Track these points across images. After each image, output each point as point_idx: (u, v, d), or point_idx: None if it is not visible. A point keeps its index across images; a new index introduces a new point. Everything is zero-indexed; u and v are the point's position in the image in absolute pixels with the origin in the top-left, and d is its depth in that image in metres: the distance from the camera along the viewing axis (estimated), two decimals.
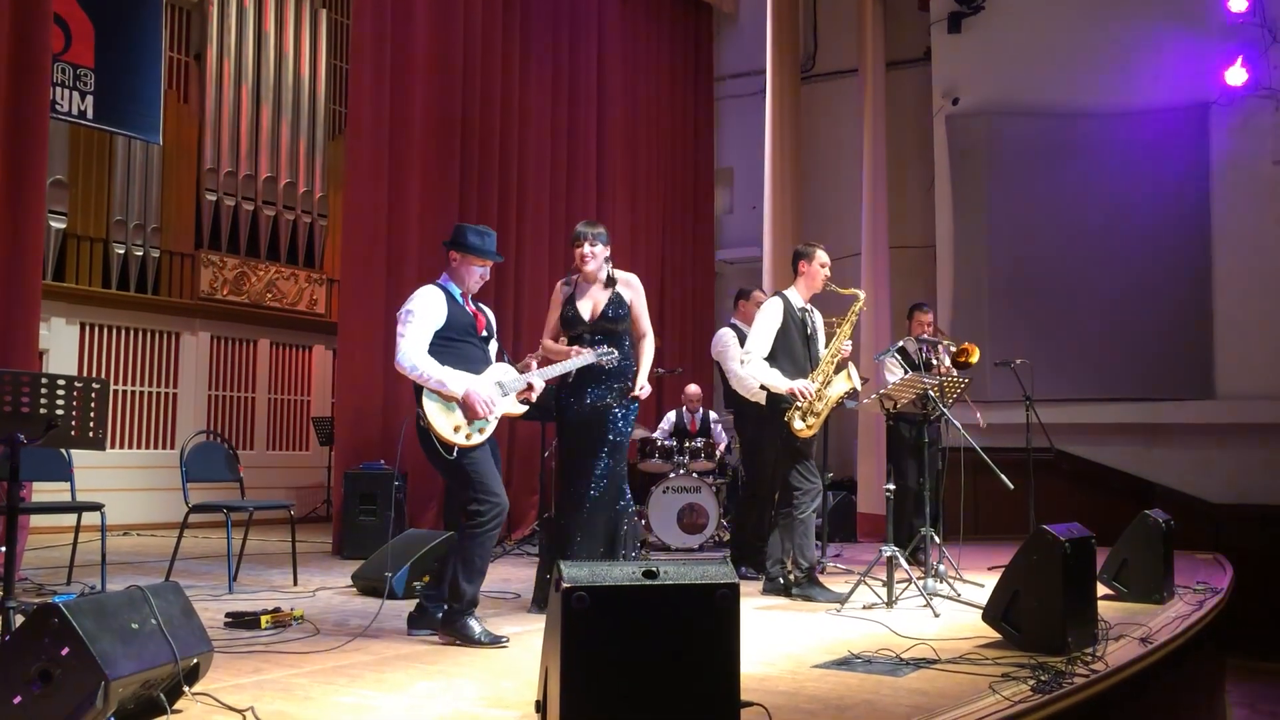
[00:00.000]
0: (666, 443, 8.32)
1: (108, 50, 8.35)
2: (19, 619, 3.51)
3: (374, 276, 7.80)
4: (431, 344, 4.22)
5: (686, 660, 2.58)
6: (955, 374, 6.70)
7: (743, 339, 6.62)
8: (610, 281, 4.92)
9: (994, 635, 4.22)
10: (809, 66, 11.59)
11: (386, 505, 7.16)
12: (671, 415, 8.87)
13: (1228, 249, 9.36)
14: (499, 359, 4.48)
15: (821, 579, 5.74)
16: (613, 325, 4.87)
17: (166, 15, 9.81)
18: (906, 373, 6.75)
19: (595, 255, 4.85)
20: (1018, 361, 7.33)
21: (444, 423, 4.16)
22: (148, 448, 10.10)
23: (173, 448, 9.88)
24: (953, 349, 6.94)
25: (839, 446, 10.34)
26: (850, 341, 5.72)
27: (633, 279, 5.01)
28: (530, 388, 4.40)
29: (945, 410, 5.84)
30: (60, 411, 3.89)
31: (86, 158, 9.75)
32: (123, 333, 10.02)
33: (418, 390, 4.19)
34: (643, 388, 4.92)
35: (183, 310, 10.43)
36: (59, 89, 7.95)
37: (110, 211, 9.89)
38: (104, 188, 9.89)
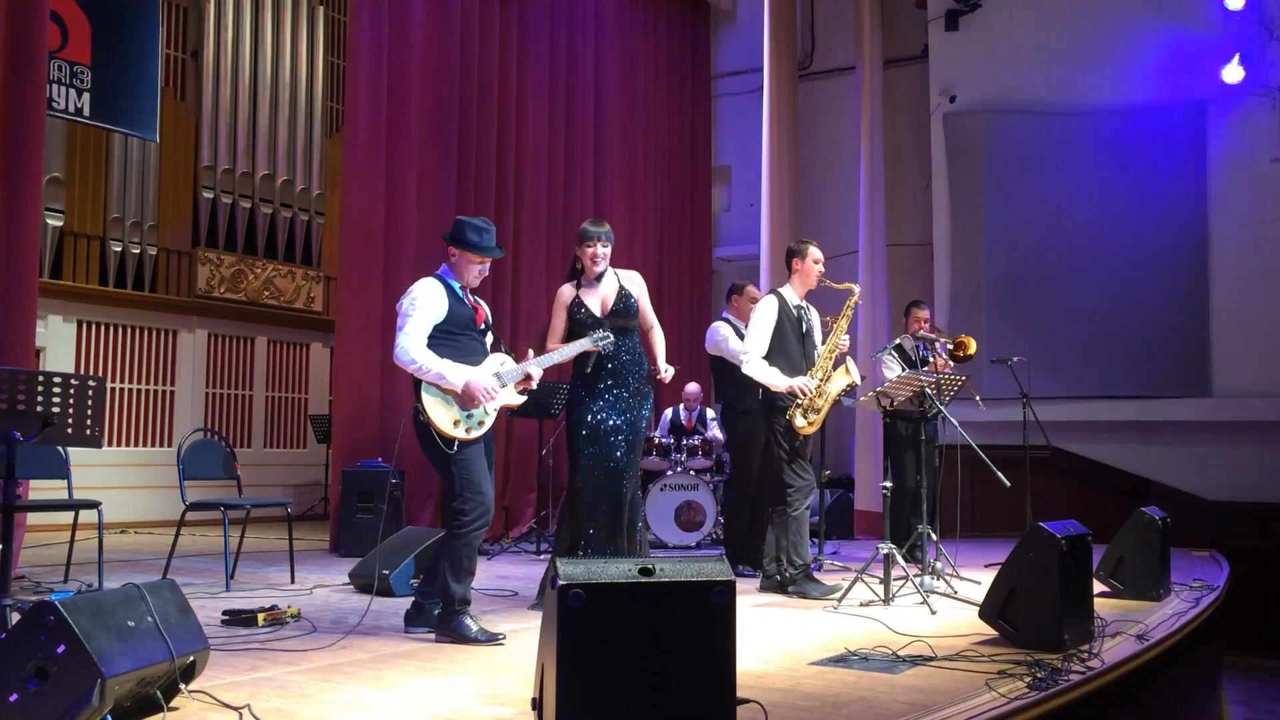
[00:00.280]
0: (663, 440, 8.32)
1: (104, 47, 8.35)
2: (15, 617, 3.51)
3: (371, 274, 7.79)
4: (431, 337, 4.21)
5: (683, 657, 2.58)
6: (953, 369, 6.70)
7: (737, 333, 6.63)
8: (611, 278, 4.97)
9: (990, 632, 4.22)
10: (806, 64, 11.59)
11: (384, 503, 7.16)
12: (668, 413, 8.88)
13: (1225, 246, 9.37)
14: (495, 349, 4.47)
15: (819, 577, 5.75)
16: (623, 319, 4.91)
17: (163, 12, 9.80)
18: (904, 370, 6.76)
19: (605, 255, 4.90)
20: (1015, 359, 7.33)
21: (443, 416, 4.15)
22: (145, 445, 10.10)
23: (170, 445, 9.88)
24: (949, 345, 6.95)
25: (836, 444, 10.35)
26: (847, 336, 5.72)
27: (635, 276, 5.06)
28: (528, 378, 4.40)
29: (942, 408, 5.85)
30: (56, 409, 3.88)
31: (83, 155, 9.74)
32: (120, 330, 10.01)
33: (416, 384, 4.19)
34: (666, 370, 4.98)
35: (180, 308, 10.42)
36: (55, 86, 7.95)
37: (107, 209, 9.88)
38: (101, 185, 9.88)
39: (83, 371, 9.44)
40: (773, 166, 10.11)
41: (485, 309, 4.47)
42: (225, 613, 4.55)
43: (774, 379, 5.51)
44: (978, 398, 6.63)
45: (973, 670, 3.59)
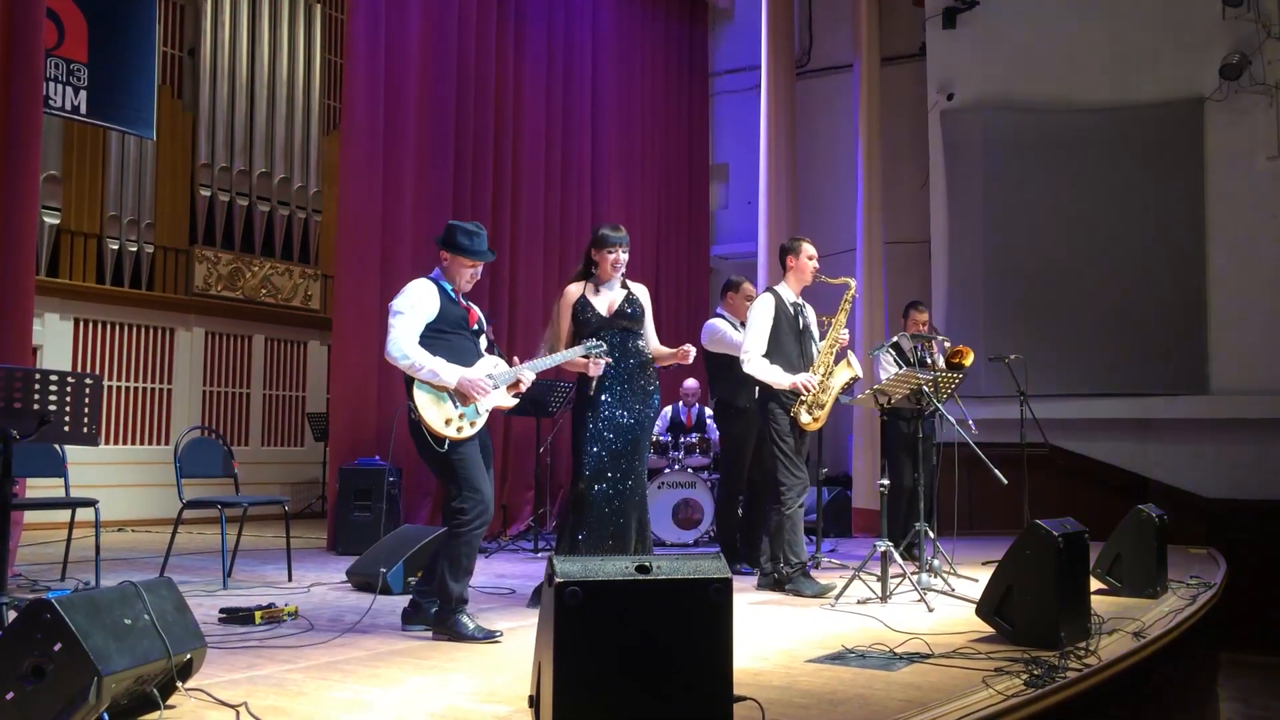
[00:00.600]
0: (662, 438, 8.32)
1: (101, 45, 8.33)
2: (12, 615, 3.51)
3: (369, 272, 7.79)
4: (423, 336, 4.21)
5: (679, 655, 2.58)
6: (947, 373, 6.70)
7: (733, 329, 6.62)
8: (623, 284, 5.01)
9: (987, 630, 4.22)
10: (804, 62, 11.58)
11: (381, 501, 7.16)
12: (667, 410, 8.87)
13: (1222, 244, 9.37)
14: (489, 352, 4.48)
15: (816, 574, 5.75)
16: (629, 322, 4.94)
17: (160, 10, 9.79)
18: (901, 368, 6.76)
19: (625, 262, 4.96)
20: (1012, 357, 7.33)
21: (435, 415, 4.15)
22: (142, 444, 10.09)
23: (167, 444, 9.87)
24: (947, 346, 6.95)
25: (834, 442, 10.35)
26: (847, 330, 5.72)
27: (643, 289, 5.11)
28: (519, 381, 4.41)
29: (940, 406, 5.85)
30: (53, 407, 3.88)
31: (80, 153, 9.72)
32: (117, 328, 9.99)
33: (409, 382, 4.19)
34: (686, 349, 4.98)
35: (177, 306, 10.41)
36: (52, 84, 7.93)
37: (104, 207, 9.87)
38: (97, 183, 9.87)
39: (80, 369, 9.42)
40: (770, 164, 10.11)
41: (478, 312, 4.47)
42: (222, 611, 4.56)
43: (776, 377, 5.51)
44: (971, 423, 6.61)
45: (970, 668, 3.60)
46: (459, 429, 4.19)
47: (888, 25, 10.76)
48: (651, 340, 5.07)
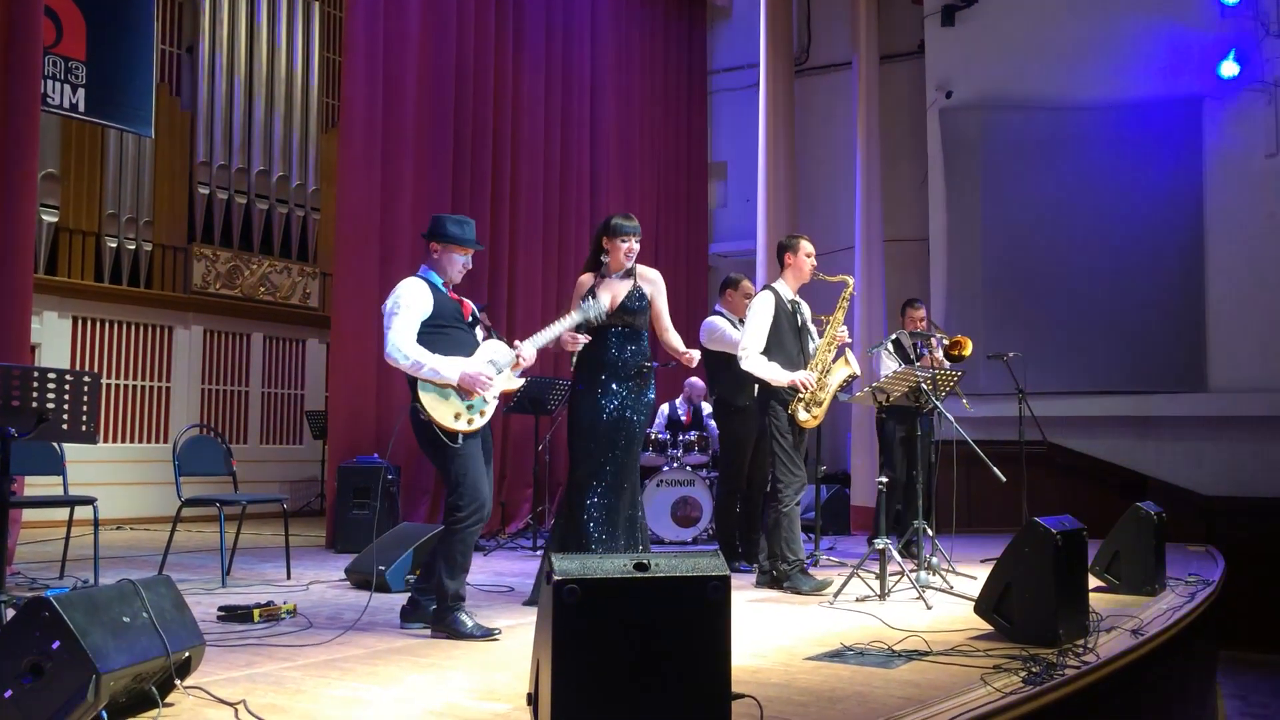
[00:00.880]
0: (660, 436, 8.32)
1: (99, 43, 8.34)
2: (10, 613, 3.51)
3: (367, 270, 7.78)
4: (421, 333, 4.20)
5: (678, 652, 2.58)
6: (947, 366, 6.71)
7: (732, 327, 6.62)
8: (629, 273, 4.95)
9: (986, 627, 4.23)
10: (803, 60, 11.58)
11: (380, 499, 7.16)
12: (665, 408, 8.87)
13: (1220, 242, 9.37)
14: (488, 336, 4.48)
15: (815, 572, 5.75)
16: (632, 317, 4.91)
17: (158, 8, 9.79)
18: (900, 366, 6.76)
19: (636, 252, 4.92)
20: (1010, 354, 7.34)
21: (444, 412, 4.16)
22: (141, 442, 10.09)
23: (166, 442, 9.87)
24: (945, 341, 6.95)
25: (833, 440, 10.36)
26: (845, 327, 5.72)
27: (654, 275, 5.04)
28: (520, 362, 4.40)
29: (938, 403, 5.85)
30: (51, 405, 3.88)
31: (78, 151, 9.71)
32: (115, 326, 9.99)
33: (412, 384, 4.18)
34: (689, 353, 4.96)
35: (176, 304, 10.41)
36: (50, 82, 7.93)
37: (102, 205, 9.86)
38: (96, 181, 9.86)
39: (78, 367, 9.42)
40: (769, 162, 10.11)
41: (470, 303, 4.47)
42: (221, 609, 4.56)
43: (775, 374, 5.51)
44: (965, 400, 6.63)
45: (968, 665, 3.60)
46: (469, 421, 4.20)
47: (886, 23, 10.76)
48: (665, 327, 5.01)
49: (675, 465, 8.12)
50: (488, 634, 4.12)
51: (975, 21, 10.37)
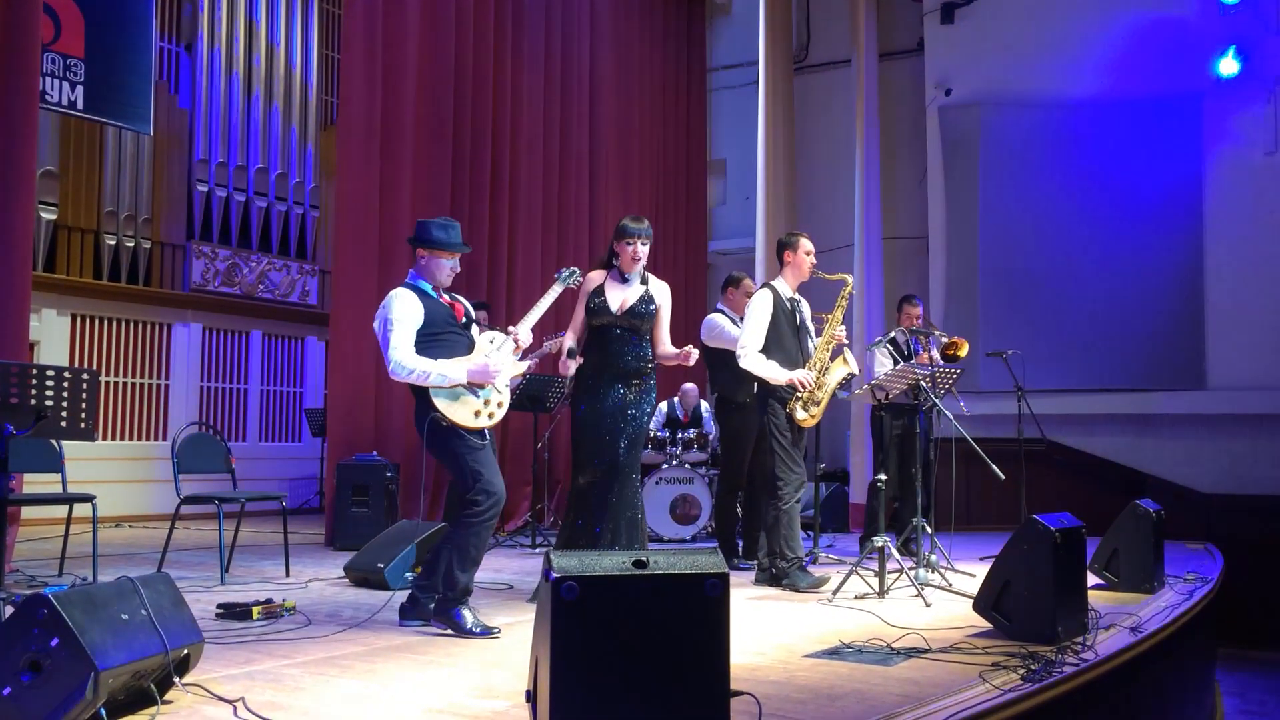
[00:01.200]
0: (659, 434, 8.32)
1: (98, 40, 8.34)
2: (9, 610, 3.50)
3: (366, 268, 7.78)
4: (416, 343, 4.21)
5: (677, 650, 2.58)
6: (943, 366, 6.70)
7: (733, 324, 6.62)
8: (643, 280, 4.98)
9: (985, 625, 4.23)
10: (802, 57, 11.57)
11: (379, 496, 7.16)
12: (663, 406, 8.87)
13: (1220, 240, 9.37)
14: (482, 329, 4.49)
15: (814, 570, 5.75)
16: (639, 321, 4.92)
17: (157, 5, 9.78)
18: (897, 363, 6.76)
19: (645, 255, 4.93)
20: (1009, 352, 7.34)
21: (463, 414, 4.18)
22: (139, 439, 10.08)
23: (164, 439, 9.87)
24: (943, 340, 6.95)
25: (832, 438, 10.37)
26: (844, 326, 5.71)
27: (665, 288, 5.06)
28: (518, 344, 4.41)
29: (937, 401, 5.85)
30: (50, 402, 3.88)
31: (77, 148, 9.70)
32: (114, 324, 9.98)
33: (422, 395, 4.18)
34: (688, 349, 4.90)
35: (174, 302, 10.40)
36: (49, 79, 7.93)
37: (101, 202, 9.86)
38: (94, 178, 9.85)
39: (76, 365, 9.42)
40: (768, 160, 10.10)
41: (463, 303, 4.47)
42: (220, 606, 4.55)
43: (773, 372, 5.51)
44: (962, 404, 6.63)
45: (967, 662, 3.60)
46: (490, 415, 4.25)
47: (886, 20, 10.76)
48: (663, 339, 5.03)
49: (674, 463, 8.11)
50: (487, 632, 4.13)
51: (975, 19, 10.36)
